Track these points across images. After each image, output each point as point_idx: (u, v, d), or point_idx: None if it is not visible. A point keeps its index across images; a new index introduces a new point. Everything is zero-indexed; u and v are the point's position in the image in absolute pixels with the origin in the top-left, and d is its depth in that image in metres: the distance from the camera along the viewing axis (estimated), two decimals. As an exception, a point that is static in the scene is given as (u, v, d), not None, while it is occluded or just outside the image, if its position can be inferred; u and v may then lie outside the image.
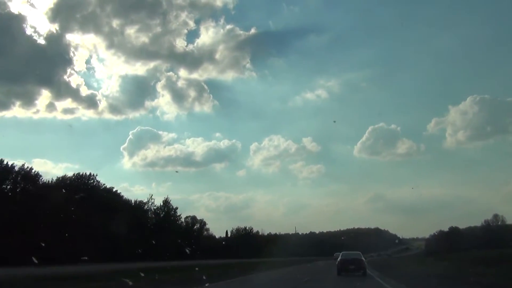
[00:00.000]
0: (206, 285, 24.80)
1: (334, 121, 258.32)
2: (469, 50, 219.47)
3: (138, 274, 26.57)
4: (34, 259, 31.03)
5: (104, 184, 71.63)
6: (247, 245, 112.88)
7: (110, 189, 71.28)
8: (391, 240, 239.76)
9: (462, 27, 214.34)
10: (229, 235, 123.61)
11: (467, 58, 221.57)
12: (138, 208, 75.06)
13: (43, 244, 39.48)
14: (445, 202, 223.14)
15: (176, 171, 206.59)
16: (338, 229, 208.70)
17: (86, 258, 41.72)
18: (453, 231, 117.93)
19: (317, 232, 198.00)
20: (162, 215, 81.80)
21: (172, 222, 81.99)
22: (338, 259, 37.34)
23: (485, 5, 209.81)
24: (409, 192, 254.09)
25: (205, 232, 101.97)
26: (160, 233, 74.84)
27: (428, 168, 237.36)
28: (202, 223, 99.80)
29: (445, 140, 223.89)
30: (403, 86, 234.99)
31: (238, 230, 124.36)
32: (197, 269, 35.10)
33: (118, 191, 76.96)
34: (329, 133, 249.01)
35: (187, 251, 74.47)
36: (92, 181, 69.48)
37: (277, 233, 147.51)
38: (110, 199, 67.11)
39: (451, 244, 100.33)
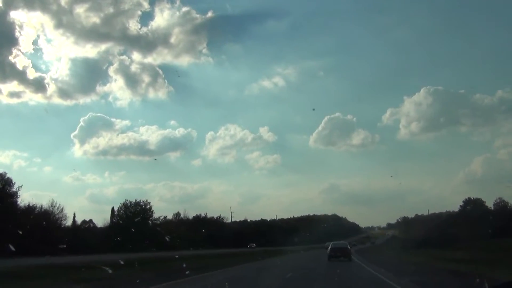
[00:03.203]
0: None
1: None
2: (424, 41, 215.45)
3: None
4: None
5: None
6: (141, 230, 63.45)
7: None
8: (351, 227, 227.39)
9: (417, 19, 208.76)
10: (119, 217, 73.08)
11: (422, 49, 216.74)
12: None
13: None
14: (398, 192, 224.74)
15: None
16: (292, 216, 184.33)
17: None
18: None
19: (268, 219, 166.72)
20: None
21: None
22: (329, 247, 41.86)
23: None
24: (364, 182, 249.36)
25: (20, 201, 50.00)
26: None
27: (382, 158, 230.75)
28: (8, 181, 48.00)
29: (399, 131, 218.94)
30: (360, 76, 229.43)
31: (126, 206, 73.09)
32: None
33: None
34: (286, 122, 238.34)
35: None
36: None
37: (202, 214, 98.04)
38: None
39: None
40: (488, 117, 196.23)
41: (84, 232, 67.83)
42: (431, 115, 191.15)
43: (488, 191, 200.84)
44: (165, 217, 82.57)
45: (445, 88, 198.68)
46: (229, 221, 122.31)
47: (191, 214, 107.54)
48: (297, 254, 65.34)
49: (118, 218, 73.46)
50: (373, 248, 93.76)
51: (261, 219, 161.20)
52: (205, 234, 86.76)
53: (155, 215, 78.30)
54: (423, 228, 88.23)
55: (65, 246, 42.60)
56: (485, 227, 67.29)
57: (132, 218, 71.13)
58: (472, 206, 74.69)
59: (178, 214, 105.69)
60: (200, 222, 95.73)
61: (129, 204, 73.76)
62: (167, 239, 67.60)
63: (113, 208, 75.24)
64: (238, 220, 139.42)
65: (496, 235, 62.68)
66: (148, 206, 75.23)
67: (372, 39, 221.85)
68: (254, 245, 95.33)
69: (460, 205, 79.56)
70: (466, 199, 78.56)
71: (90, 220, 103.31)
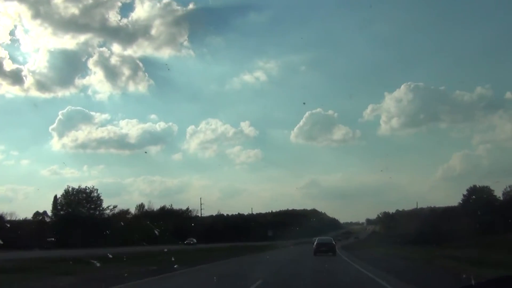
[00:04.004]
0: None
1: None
2: (406, 37, 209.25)
3: None
4: None
5: None
6: (85, 223, 50.57)
7: None
8: (331, 223, 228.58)
9: (398, 14, 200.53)
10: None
11: (403, 45, 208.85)
12: None
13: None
14: (377, 188, 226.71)
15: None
16: (270, 211, 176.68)
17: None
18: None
19: (245, 214, 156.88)
20: None
21: None
22: (315, 243, 42.67)
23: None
24: (343, 177, 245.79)
25: None
26: None
27: (363, 154, 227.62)
28: None
29: (380, 127, 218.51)
30: (342, 71, 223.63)
31: (67, 194, 59.86)
32: None
33: None
34: (267, 117, 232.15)
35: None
36: None
37: (167, 206, 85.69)
38: None
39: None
40: (467, 113, 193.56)
41: (11, 225, 55.02)
42: (411, 111, 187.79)
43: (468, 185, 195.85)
44: (114, 207, 69.28)
45: (426, 85, 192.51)
46: (203, 214, 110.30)
47: (158, 207, 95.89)
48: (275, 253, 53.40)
49: (59, 208, 60.70)
50: (359, 244, 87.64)
51: (239, 213, 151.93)
52: (171, 228, 74.93)
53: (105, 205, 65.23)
54: (412, 223, 79.36)
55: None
56: (493, 219, 58.63)
57: (75, 208, 58.42)
58: (478, 196, 63.93)
59: (142, 205, 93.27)
60: (165, 214, 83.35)
61: (70, 191, 60.89)
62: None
63: (55, 197, 62.11)
64: (214, 214, 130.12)
65: (508, 228, 53.14)
66: (94, 194, 62.42)
67: (354, 34, 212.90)
68: (195, 240, 77.03)
69: (464, 194, 68.86)
70: (471, 187, 67.86)
71: (44, 212, 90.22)
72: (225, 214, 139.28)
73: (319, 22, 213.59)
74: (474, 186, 66.79)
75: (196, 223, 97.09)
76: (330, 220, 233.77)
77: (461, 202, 67.36)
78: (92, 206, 62.25)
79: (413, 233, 67.02)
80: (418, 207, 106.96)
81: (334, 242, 44.01)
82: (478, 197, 63.33)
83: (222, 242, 79.50)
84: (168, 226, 75.32)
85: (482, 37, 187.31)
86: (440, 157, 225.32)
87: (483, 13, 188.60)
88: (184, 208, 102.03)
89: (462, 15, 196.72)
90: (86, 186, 62.03)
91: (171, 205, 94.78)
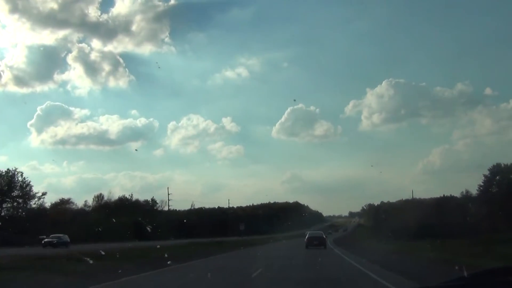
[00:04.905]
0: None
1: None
2: (387, 33, 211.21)
3: None
4: None
5: None
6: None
7: None
8: (314, 216, 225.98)
9: (380, 11, 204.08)
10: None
11: (385, 42, 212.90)
12: None
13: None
14: (359, 182, 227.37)
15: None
16: (251, 204, 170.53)
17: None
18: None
19: (225, 207, 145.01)
20: None
21: None
22: (306, 236, 45.02)
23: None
24: (325, 172, 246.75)
25: None
26: None
27: (344, 149, 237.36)
28: None
29: (361, 122, 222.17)
30: (324, 67, 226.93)
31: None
32: None
33: None
34: (249, 113, 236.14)
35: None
36: None
37: (127, 196, 72.67)
38: None
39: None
40: (447, 109, 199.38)
41: None
42: (392, 107, 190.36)
43: (450, 180, 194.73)
44: (44, 194, 54.41)
45: (407, 81, 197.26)
46: (175, 207, 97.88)
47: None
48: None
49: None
50: (352, 238, 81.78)
51: (218, 207, 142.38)
52: (128, 222, 62.13)
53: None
54: (406, 216, 70.22)
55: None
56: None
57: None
58: (501, 179, 51.70)
59: (100, 196, 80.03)
60: (124, 207, 70.33)
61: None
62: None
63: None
64: (194, 208, 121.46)
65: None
66: (18, 178, 48.54)
67: (336, 31, 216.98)
68: (66, 237, 46.57)
69: (485, 175, 56.22)
70: (494, 166, 54.98)
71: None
72: (204, 208, 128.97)
73: (302, 19, 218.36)
74: (498, 164, 54.75)
75: (165, 217, 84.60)
76: (313, 213, 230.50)
77: (481, 184, 55.96)
78: (19, 194, 48.85)
79: (408, 227, 61.48)
80: (403, 199, 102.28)
81: (324, 236, 46.13)
82: (503, 178, 51.66)
83: (192, 237, 67.02)
84: (123, 220, 62.32)
85: (462, 35, 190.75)
86: (421, 151, 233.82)
87: (463, 12, 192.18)
88: (160, 201, 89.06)
89: (443, 14, 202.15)
90: (8, 169, 48.43)
91: (131, 195, 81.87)
